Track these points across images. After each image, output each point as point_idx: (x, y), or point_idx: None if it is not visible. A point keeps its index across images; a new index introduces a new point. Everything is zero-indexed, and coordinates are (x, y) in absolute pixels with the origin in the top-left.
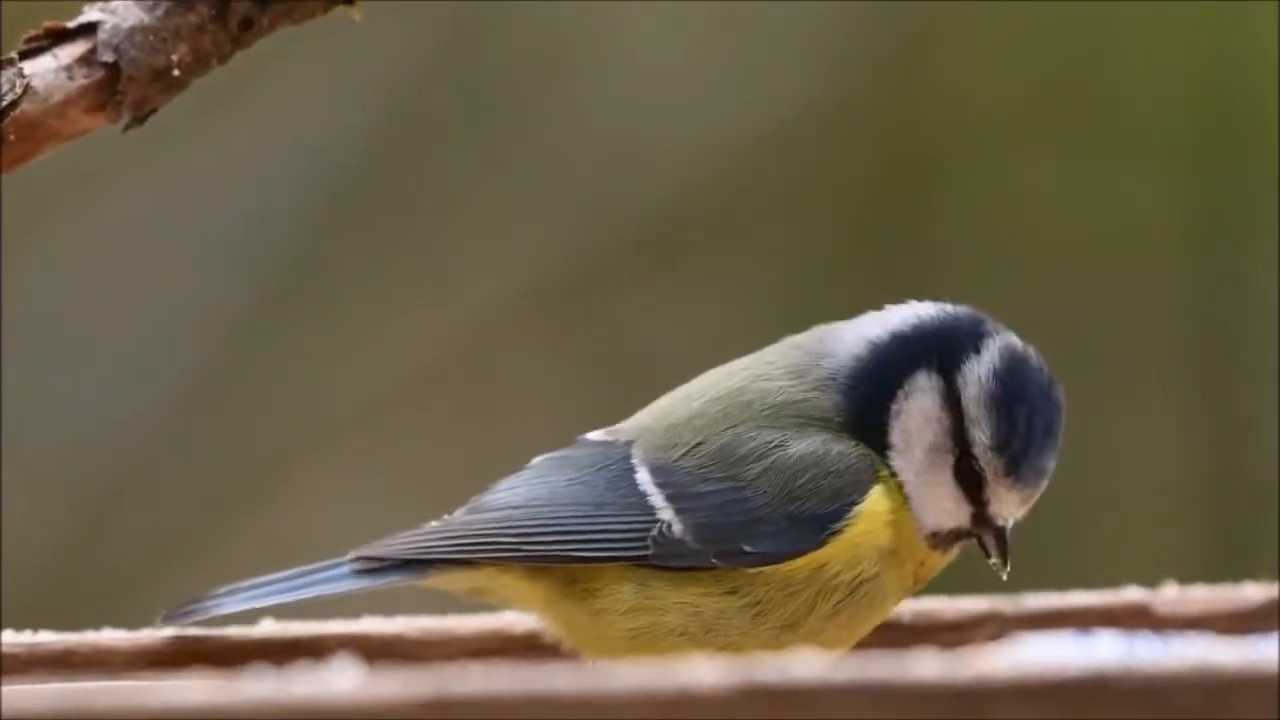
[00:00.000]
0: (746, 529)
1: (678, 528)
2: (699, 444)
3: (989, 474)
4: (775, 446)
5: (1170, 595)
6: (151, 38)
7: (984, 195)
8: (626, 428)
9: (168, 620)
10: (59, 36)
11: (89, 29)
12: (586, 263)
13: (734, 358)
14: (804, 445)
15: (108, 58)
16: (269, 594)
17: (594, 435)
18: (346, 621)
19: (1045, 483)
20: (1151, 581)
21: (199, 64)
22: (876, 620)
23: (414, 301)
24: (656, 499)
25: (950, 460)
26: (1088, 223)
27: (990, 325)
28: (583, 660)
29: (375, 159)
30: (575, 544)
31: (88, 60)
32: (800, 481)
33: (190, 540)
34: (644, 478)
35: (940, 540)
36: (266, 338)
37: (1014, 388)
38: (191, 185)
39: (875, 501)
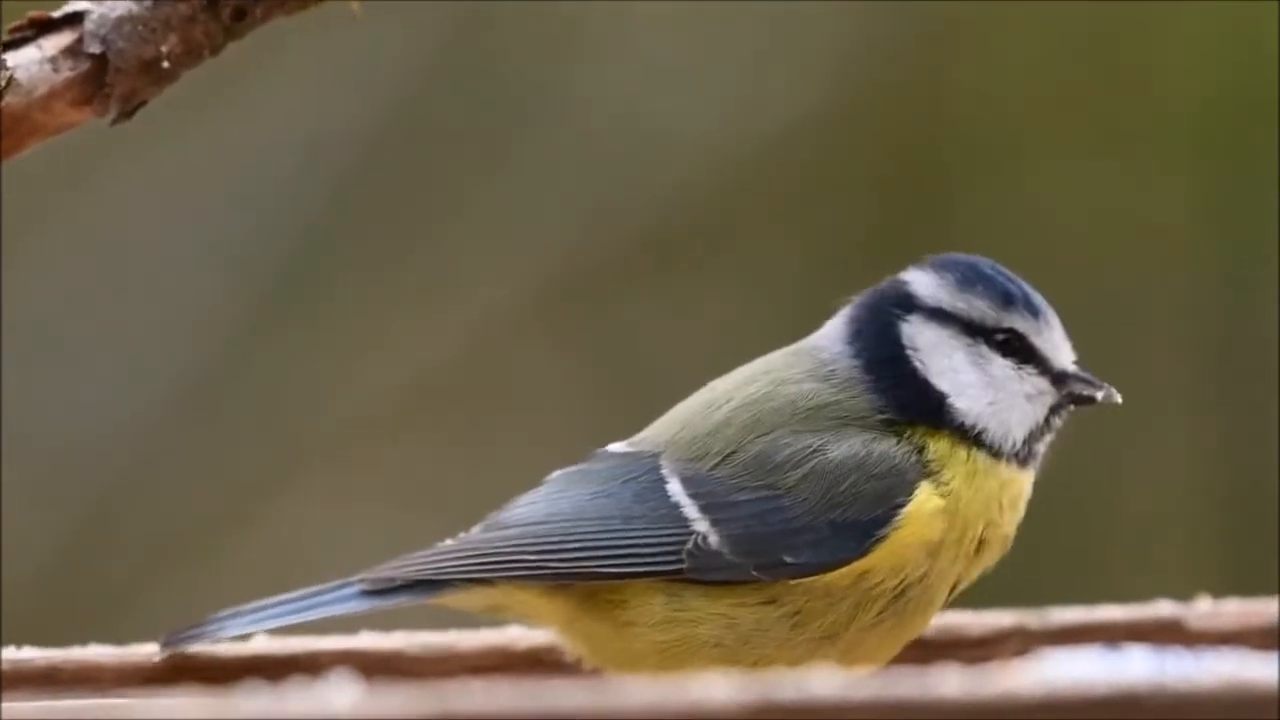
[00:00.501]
0: (786, 539)
1: (714, 539)
2: (731, 452)
3: (1019, 326)
4: (814, 451)
5: (1203, 609)
6: (140, 28)
7: (998, 194)
8: (648, 438)
9: (168, 645)
10: (44, 27)
11: (75, 19)
12: (593, 265)
13: (746, 360)
14: (844, 448)
15: (95, 49)
16: (273, 616)
17: (615, 447)
18: (343, 637)
19: (1055, 313)
20: (1183, 595)
21: (190, 55)
22: (921, 627)
23: (416, 305)
24: (690, 510)
25: (989, 351)
26: (1104, 224)
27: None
28: (604, 677)
29: (377, 159)
30: (604, 559)
31: (74, 51)
32: (842, 487)
33: (187, 549)
34: (675, 488)
35: (1028, 447)
36: (265, 344)
37: (959, 266)
38: (189, 187)
39: (923, 500)
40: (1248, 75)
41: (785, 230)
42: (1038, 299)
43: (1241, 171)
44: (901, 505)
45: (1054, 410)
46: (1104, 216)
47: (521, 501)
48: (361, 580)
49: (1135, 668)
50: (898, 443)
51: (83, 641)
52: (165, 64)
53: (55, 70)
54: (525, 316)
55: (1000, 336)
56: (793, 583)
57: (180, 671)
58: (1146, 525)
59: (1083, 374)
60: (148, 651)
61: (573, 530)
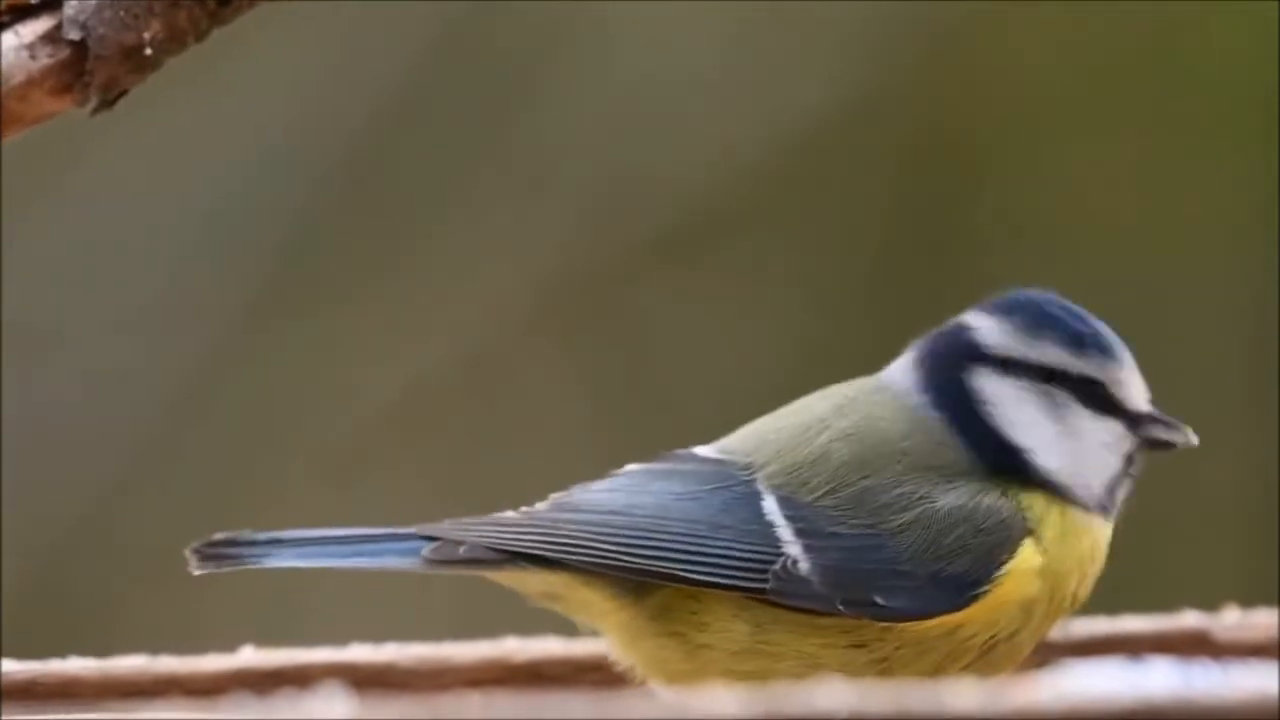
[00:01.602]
0: (882, 580)
1: (805, 565)
2: (833, 486)
3: (1093, 372)
4: (921, 498)
5: (1231, 620)
6: (122, 14)
7: (1031, 186)
8: (739, 449)
9: (199, 558)
10: (21, 12)
11: (54, 4)
12: (600, 263)
13: (759, 360)
14: (952, 498)
15: (74, 35)
16: (323, 555)
17: (702, 450)
18: (333, 649)
19: (1128, 348)
20: (1210, 605)
21: (174, 42)
22: (1005, 672)
23: (416, 304)
24: (785, 531)
25: (1064, 398)
26: (1147, 212)
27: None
28: (608, 690)
29: (376, 152)
30: (685, 563)
31: (52, 38)
32: (948, 540)
33: (173, 559)
34: (771, 506)
35: (1110, 495)
36: (260, 344)
37: (1025, 308)
38: (182, 182)
39: (1025, 558)
40: None
41: (799, 227)
42: (1109, 337)
43: None
44: (1004, 562)
45: (1131, 456)
46: (1148, 205)
47: (595, 487)
48: (425, 538)
49: (1159, 681)
50: (1001, 496)
51: (62, 654)
52: (148, 51)
53: (33, 58)
54: (529, 316)
55: (1076, 384)
56: (883, 627)
57: (163, 684)
58: (1172, 531)
59: (1159, 416)
60: (130, 664)
61: (655, 527)
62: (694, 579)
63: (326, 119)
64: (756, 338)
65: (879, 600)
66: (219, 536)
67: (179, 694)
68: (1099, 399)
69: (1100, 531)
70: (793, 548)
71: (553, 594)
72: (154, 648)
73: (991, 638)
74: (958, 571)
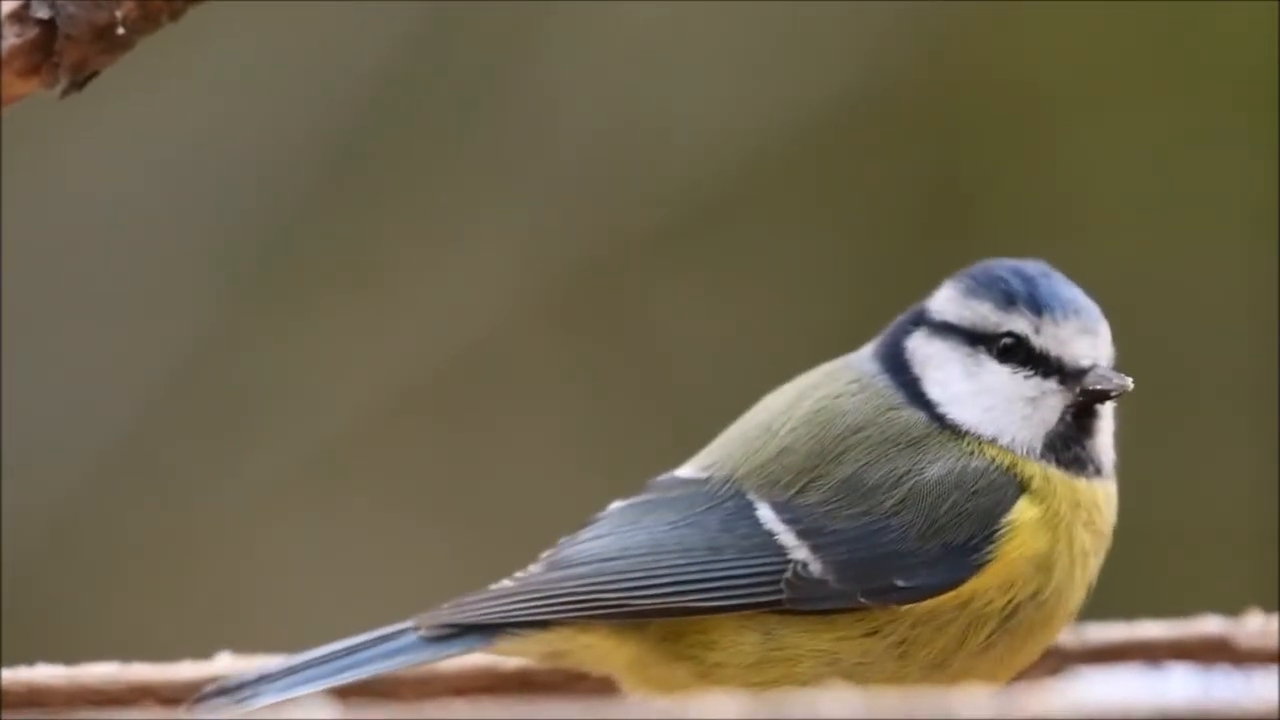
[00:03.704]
0: (895, 561)
1: (816, 567)
2: (817, 478)
3: (1019, 328)
4: (907, 474)
5: (1254, 626)
6: None
7: (1040, 173)
8: (716, 463)
9: (197, 704)
10: None
11: None
12: (604, 257)
13: (765, 355)
14: (938, 468)
15: (42, 14)
16: (320, 676)
17: (681, 473)
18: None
19: (1093, 311)
20: (1232, 610)
21: (146, 21)
22: (1036, 651)
23: (409, 296)
24: (786, 537)
25: (984, 356)
26: (1154, 198)
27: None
28: (599, 696)
29: (365, 141)
30: (695, 593)
31: (20, 17)
32: (944, 509)
33: (144, 566)
34: (767, 514)
35: (1062, 451)
36: (252, 338)
37: (976, 274)
38: (173, 178)
39: (1024, 510)
40: None
41: (801, 216)
42: (1049, 296)
43: None
44: (1005, 520)
45: (1071, 410)
46: (1156, 192)
47: (583, 537)
48: (417, 627)
49: (1178, 689)
50: (985, 458)
51: (29, 661)
52: (120, 30)
53: None
54: (527, 307)
55: (1001, 342)
56: (901, 609)
57: (136, 692)
58: (1192, 534)
59: (1097, 369)
60: (100, 672)
61: (656, 564)
62: (704, 608)
63: (316, 107)
64: (758, 327)
65: (900, 583)
66: (208, 690)
67: (152, 702)
68: (1023, 354)
69: (1088, 489)
70: (799, 552)
71: (555, 652)
72: (126, 654)
73: (1010, 601)
74: (961, 539)
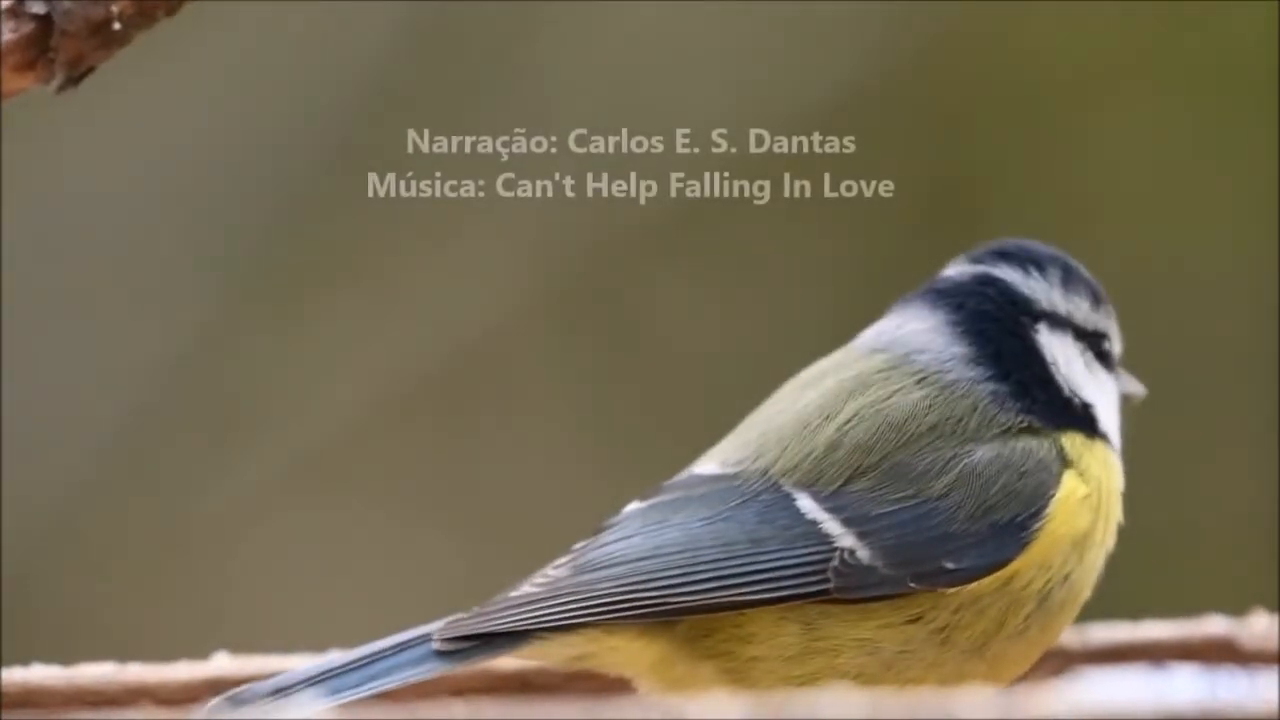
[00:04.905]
0: (945, 544)
1: (863, 553)
2: (861, 467)
3: (1108, 329)
4: (955, 458)
5: (1258, 627)
6: None
7: (1046, 167)
8: (744, 458)
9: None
10: None
11: None
12: (605, 252)
13: (765, 348)
14: (986, 450)
15: (38, 9)
16: (345, 688)
17: (705, 470)
18: (310, 657)
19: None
20: (1237, 610)
21: (143, 16)
22: (1059, 633)
23: (414, 300)
24: (831, 525)
25: (1092, 358)
26: (1160, 192)
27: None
28: (597, 697)
29: (367, 136)
30: (737, 587)
31: (15, 12)
32: (994, 489)
33: (142, 565)
34: (808, 505)
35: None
36: (248, 336)
37: (1049, 260)
38: (161, 175)
39: (1069, 489)
40: None
41: (802, 212)
42: (1103, 291)
43: None
44: (1051, 496)
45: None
46: (1162, 187)
47: (607, 540)
48: (436, 637)
49: (1183, 690)
50: (1033, 437)
51: (25, 662)
52: (116, 25)
53: None
54: (524, 304)
55: (1101, 343)
56: (947, 593)
57: (133, 692)
58: (1196, 534)
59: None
60: (97, 672)
61: (695, 560)
62: (748, 600)
63: (313, 104)
64: (760, 324)
65: (949, 565)
66: (220, 699)
67: (149, 703)
68: (1108, 355)
69: (1114, 457)
70: (845, 539)
71: (580, 655)
72: (123, 655)
73: (1046, 582)
74: (1009, 518)
